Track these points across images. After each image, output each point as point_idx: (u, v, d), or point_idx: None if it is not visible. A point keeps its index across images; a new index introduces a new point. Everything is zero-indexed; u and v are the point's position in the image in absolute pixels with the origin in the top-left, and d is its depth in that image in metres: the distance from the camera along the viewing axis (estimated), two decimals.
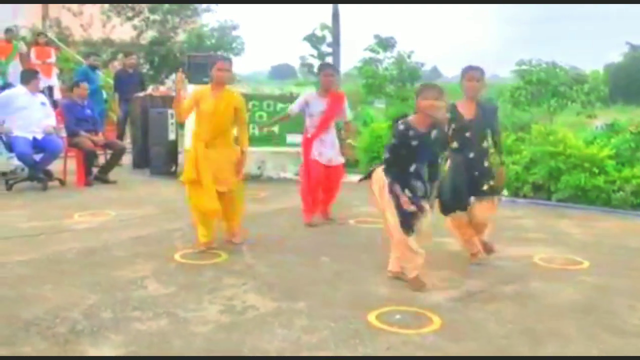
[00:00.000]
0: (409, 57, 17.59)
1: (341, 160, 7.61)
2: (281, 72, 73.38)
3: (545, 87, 16.32)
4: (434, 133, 5.16)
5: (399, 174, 5.14)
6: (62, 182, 9.76)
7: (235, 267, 5.76)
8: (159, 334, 4.26)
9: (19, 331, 4.26)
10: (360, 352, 4.04)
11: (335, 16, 12.94)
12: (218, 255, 6.09)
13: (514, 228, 7.44)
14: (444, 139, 5.50)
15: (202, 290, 5.13)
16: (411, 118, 5.18)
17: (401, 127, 5.11)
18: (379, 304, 4.82)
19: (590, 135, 10.50)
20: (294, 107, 7.60)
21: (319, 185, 7.49)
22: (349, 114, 7.81)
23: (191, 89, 11.57)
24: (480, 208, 5.83)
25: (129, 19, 20.53)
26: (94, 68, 12.90)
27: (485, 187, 5.82)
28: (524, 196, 9.16)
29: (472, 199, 5.83)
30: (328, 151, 7.43)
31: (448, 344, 4.18)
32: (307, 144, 7.47)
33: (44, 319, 4.45)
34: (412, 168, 5.17)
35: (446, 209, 5.91)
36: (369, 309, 4.69)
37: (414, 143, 5.09)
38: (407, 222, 5.16)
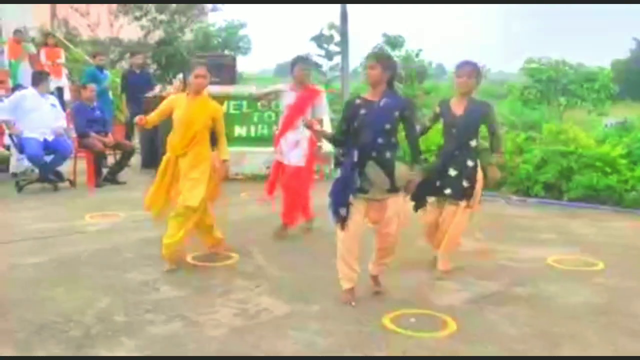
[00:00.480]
0: (416, 55, 17.59)
1: (297, 162, 6.90)
2: (287, 70, 73.35)
3: (555, 85, 16.29)
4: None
5: None
6: (73, 184, 9.77)
7: (247, 269, 5.75)
8: (172, 338, 4.25)
9: (33, 335, 4.25)
10: (375, 356, 4.02)
11: (344, 16, 12.89)
12: (229, 257, 6.07)
13: (526, 229, 7.41)
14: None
15: (214, 292, 5.12)
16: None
17: None
18: (393, 306, 4.80)
19: (602, 134, 10.45)
20: (274, 86, 7.47)
21: (276, 186, 7.16)
22: (324, 113, 7.41)
23: None
24: (445, 212, 5.72)
25: (137, 19, 20.55)
26: (101, 68, 12.90)
27: (448, 191, 5.65)
28: (535, 196, 9.11)
29: (433, 199, 5.79)
30: (289, 151, 6.92)
31: (463, 347, 4.16)
32: (275, 141, 7.15)
33: (57, 323, 4.45)
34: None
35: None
36: (383, 312, 4.67)
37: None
38: None
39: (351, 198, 4.74)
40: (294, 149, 6.89)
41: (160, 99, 12.11)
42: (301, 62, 7.10)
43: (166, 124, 10.53)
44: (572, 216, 8.16)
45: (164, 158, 6.04)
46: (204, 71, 5.88)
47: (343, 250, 4.85)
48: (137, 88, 12.41)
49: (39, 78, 9.85)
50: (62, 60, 15.12)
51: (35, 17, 18.36)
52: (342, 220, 4.76)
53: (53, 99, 10.11)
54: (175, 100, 6.00)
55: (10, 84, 13.22)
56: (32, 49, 15.05)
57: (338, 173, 4.90)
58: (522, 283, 5.44)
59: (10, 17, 17.37)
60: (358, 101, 4.86)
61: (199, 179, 5.78)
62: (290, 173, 6.91)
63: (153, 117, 6.02)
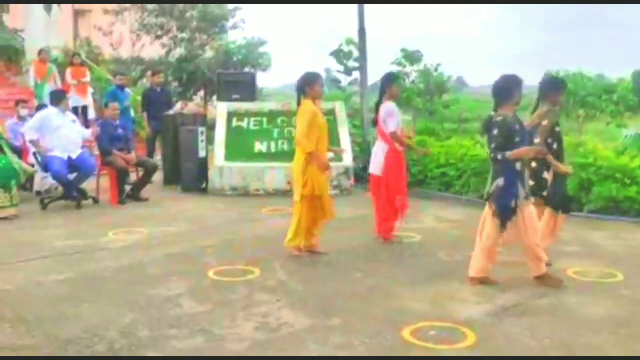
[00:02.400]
0: (435, 70, 17.62)
1: (374, 171, 7.42)
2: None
3: (574, 97, 16.26)
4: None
5: None
6: (96, 201, 9.89)
7: (269, 284, 5.80)
8: (196, 352, 4.31)
9: (59, 350, 4.34)
10: None
11: (362, 32, 12.96)
12: (251, 272, 6.13)
13: None
14: None
15: (236, 307, 5.18)
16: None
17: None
18: (413, 319, 4.83)
19: (621, 145, 10.41)
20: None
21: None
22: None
23: (221, 106, 11.78)
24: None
25: (158, 37, 20.78)
26: (122, 88, 13.09)
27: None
28: None
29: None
30: (371, 161, 7.52)
31: None
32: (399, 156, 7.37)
33: (82, 338, 4.53)
34: None
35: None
36: (404, 325, 4.70)
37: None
38: None
39: (513, 203, 5.46)
40: (373, 159, 7.43)
41: (180, 116, 12.32)
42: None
43: (186, 141, 10.67)
44: (592, 228, 8.12)
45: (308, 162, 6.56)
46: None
47: (493, 247, 5.68)
48: (158, 106, 12.58)
49: (59, 97, 10.01)
50: (88, 79, 15.34)
51: (59, 37, 18.63)
52: (505, 224, 5.53)
53: (72, 116, 10.29)
54: (313, 109, 6.60)
55: (35, 103, 13.44)
56: (54, 69, 15.31)
57: (501, 182, 5.49)
58: (543, 295, 5.44)
59: (34, 37, 17.68)
60: (510, 119, 5.50)
61: None
62: (371, 182, 7.52)
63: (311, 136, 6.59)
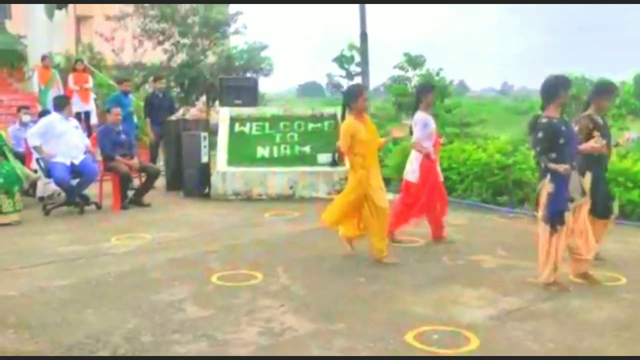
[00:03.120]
0: (437, 74, 17.63)
1: (406, 176, 7.51)
2: (309, 90, 74.00)
3: (576, 101, 16.25)
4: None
5: None
6: (99, 206, 9.90)
7: (272, 288, 5.81)
8: (199, 357, 4.31)
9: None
10: None
11: (363, 36, 13.01)
12: (254, 276, 6.13)
13: None
14: None
15: (239, 312, 5.18)
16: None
17: None
18: (416, 323, 4.84)
19: (623, 148, 10.40)
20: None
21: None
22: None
23: (223, 111, 11.80)
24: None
25: (160, 43, 20.83)
26: (126, 93, 13.12)
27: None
28: None
29: None
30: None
31: None
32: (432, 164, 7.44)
33: (86, 344, 4.54)
34: None
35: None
36: (407, 329, 4.70)
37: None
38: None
39: (564, 207, 5.50)
40: (408, 165, 7.51)
41: (182, 121, 12.35)
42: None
43: (188, 146, 10.68)
44: None
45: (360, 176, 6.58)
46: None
47: (557, 252, 5.58)
48: (160, 111, 12.61)
49: (62, 103, 10.02)
50: (90, 85, 15.38)
51: (61, 43, 18.68)
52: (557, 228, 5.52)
53: (75, 122, 10.30)
54: (353, 125, 6.54)
55: (39, 109, 13.47)
56: (57, 75, 15.36)
57: (550, 188, 5.47)
58: (545, 298, 5.44)
59: (36, 43, 17.73)
60: (555, 120, 5.49)
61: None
62: (402, 186, 7.61)
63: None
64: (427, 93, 7.55)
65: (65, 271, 6.41)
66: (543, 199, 5.57)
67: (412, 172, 7.40)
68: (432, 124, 7.43)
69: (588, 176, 5.96)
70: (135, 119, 13.24)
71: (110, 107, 11.14)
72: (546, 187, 5.51)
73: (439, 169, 7.60)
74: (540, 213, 5.65)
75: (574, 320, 4.95)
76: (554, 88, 5.60)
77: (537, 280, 5.69)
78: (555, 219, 5.51)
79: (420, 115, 7.39)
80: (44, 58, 15.44)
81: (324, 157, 10.78)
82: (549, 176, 5.48)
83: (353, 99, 6.62)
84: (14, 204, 8.80)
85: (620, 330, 4.72)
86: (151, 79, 16.44)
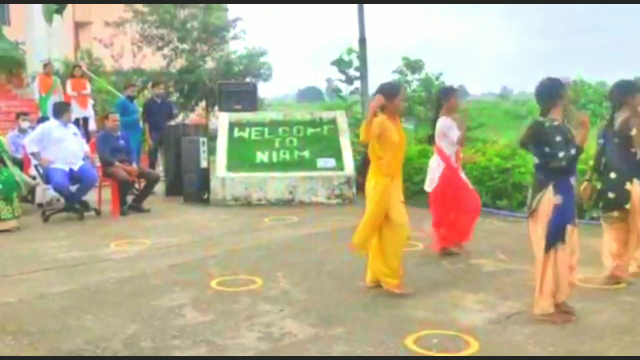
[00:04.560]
0: (437, 78, 17.67)
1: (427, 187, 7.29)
2: (308, 95, 74.05)
3: (575, 105, 16.30)
4: None
5: None
6: (98, 212, 9.90)
7: (272, 293, 5.80)
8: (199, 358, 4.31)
9: None
10: None
11: (362, 40, 13.03)
12: (253, 281, 6.12)
13: None
14: None
15: (239, 317, 5.17)
16: None
17: None
18: (416, 327, 4.82)
19: None
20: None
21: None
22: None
23: (222, 116, 11.81)
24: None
25: (159, 48, 20.86)
26: (131, 99, 13.13)
27: None
28: None
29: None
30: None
31: None
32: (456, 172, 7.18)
33: (85, 350, 4.53)
34: None
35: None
36: (407, 333, 4.69)
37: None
38: None
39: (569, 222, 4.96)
40: (428, 174, 7.28)
41: (182, 126, 12.35)
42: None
43: (188, 151, 10.69)
44: (594, 234, 8.06)
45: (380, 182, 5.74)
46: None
47: (561, 272, 4.94)
48: (158, 117, 12.61)
49: (61, 109, 10.03)
50: (88, 91, 15.40)
51: (59, 49, 18.71)
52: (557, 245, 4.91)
53: (74, 128, 10.29)
54: (384, 123, 5.65)
55: (39, 115, 13.48)
56: (58, 82, 15.37)
57: (558, 200, 4.90)
58: None
59: (35, 49, 17.76)
60: (562, 126, 4.97)
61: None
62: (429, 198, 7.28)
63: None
64: (449, 97, 7.13)
65: (64, 277, 6.40)
66: (545, 213, 4.96)
67: (431, 181, 7.14)
68: (455, 130, 6.94)
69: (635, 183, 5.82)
70: (141, 125, 13.19)
71: (114, 112, 11.10)
72: (552, 199, 4.92)
73: (463, 176, 7.29)
74: (537, 229, 5.06)
75: (574, 323, 4.93)
76: (556, 89, 5.11)
77: (535, 311, 5.04)
78: (558, 234, 4.92)
79: (443, 122, 6.99)
80: (45, 65, 15.46)
81: (324, 162, 10.79)
82: (552, 186, 4.93)
83: (389, 96, 5.71)
84: (12, 210, 8.79)
85: (621, 334, 4.71)
86: (150, 85, 16.43)
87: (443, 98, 7.17)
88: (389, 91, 5.77)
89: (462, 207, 7.09)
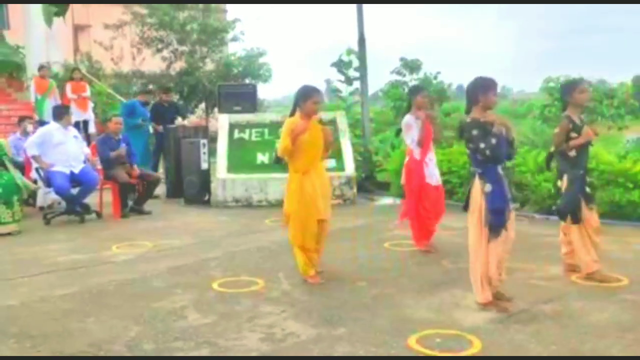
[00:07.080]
0: (435, 78, 17.65)
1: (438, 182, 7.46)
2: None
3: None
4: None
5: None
6: (99, 215, 9.91)
7: (273, 294, 5.80)
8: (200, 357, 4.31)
9: None
10: None
11: (361, 41, 13.01)
12: (255, 283, 6.13)
13: (549, 246, 7.36)
14: None
15: (241, 318, 5.17)
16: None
17: None
18: (418, 327, 4.83)
19: (623, 149, 10.40)
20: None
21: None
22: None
23: (222, 117, 11.80)
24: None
25: (159, 50, 20.86)
26: (144, 104, 13.16)
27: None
28: None
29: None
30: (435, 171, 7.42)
31: None
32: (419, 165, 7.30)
33: (88, 353, 4.53)
34: None
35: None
36: (409, 333, 4.70)
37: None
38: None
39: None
40: (434, 168, 7.42)
41: (182, 128, 12.35)
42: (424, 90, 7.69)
43: (188, 153, 10.70)
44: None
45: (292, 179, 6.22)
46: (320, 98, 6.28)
47: (497, 257, 5.20)
48: (162, 121, 12.64)
49: (61, 112, 10.03)
50: (88, 93, 15.42)
51: (59, 52, 18.71)
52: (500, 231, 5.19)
53: (74, 131, 10.29)
54: (293, 124, 6.08)
55: (36, 118, 13.48)
56: (54, 84, 15.39)
57: (488, 188, 5.20)
58: (547, 301, 5.43)
59: (34, 53, 17.76)
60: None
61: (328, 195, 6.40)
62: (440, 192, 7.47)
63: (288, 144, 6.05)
64: (415, 95, 7.39)
65: (66, 280, 6.40)
66: (478, 201, 5.27)
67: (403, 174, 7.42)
68: (415, 129, 7.17)
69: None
70: (150, 129, 13.17)
71: (123, 112, 11.10)
72: (482, 188, 5.22)
73: (433, 172, 7.34)
74: (474, 217, 5.38)
75: (576, 322, 4.94)
76: (476, 90, 5.38)
77: (477, 300, 5.26)
78: (497, 219, 5.17)
79: (405, 118, 7.29)
80: (41, 68, 15.48)
81: (324, 162, 10.76)
82: (478, 175, 5.26)
83: (302, 99, 6.14)
84: (13, 214, 8.79)
85: (624, 332, 4.71)
86: (151, 87, 16.45)
87: (410, 96, 7.52)
88: (303, 94, 6.18)
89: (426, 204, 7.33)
